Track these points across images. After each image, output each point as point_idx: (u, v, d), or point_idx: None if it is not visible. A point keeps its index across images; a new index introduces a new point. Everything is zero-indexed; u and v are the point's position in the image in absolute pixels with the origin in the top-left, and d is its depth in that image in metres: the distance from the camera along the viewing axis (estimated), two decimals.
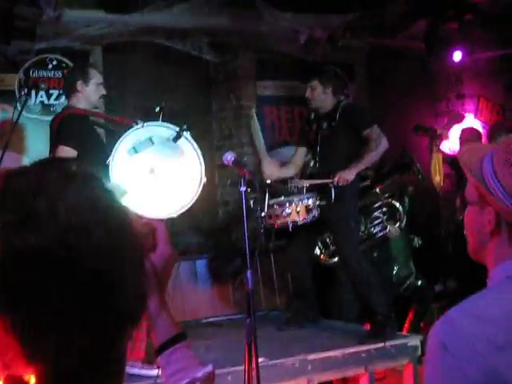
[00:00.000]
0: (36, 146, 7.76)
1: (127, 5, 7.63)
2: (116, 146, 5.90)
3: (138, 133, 6.01)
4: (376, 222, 8.01)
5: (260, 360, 6.09)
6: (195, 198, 6.18)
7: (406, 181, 8.30)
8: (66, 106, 6.28)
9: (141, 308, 1.22)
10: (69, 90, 6.27)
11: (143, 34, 8.01)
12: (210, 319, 8.08)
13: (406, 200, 8.34)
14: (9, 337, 1.10)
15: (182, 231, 8.64)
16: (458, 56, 8.67)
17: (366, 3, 8.07)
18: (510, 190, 1.89)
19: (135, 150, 5.95)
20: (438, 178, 7.80)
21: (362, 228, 7.96)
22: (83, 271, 1.10)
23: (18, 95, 7.73)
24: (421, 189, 8.53)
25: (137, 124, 6.03)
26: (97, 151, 5.97)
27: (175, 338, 1.73)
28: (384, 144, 7.10)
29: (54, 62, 8.15)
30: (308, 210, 7.05)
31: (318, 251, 8.01)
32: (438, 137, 7.73)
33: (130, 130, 5.98)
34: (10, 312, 1.09)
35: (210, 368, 1.72)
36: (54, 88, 8.14)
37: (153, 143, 6.01)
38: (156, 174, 6.06)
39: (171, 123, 6.13)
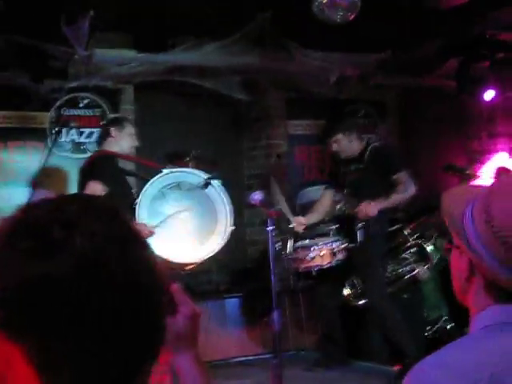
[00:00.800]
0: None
1: (158, 44, 7.66)
2: (144, 189, 5.95)
3: (167, 178, 6.06)
4: (405, 263, 7.91)
5: None
6: (221, 246, 6.22)
7: (435, 222, 8.20)
8: (98, 150, 6.42)
9: (158, 342, 1.21)
10: (103, 135, 6.45)
11: (174, 72, 8.04)
12: (240, 359, 8.01)
13: (436, 241, 8.25)
14: (29, 366, 1.09)
15: (210, 270, 8.61)
16: (489, 94, 8.59)
17: (398, 42, 8.04)
18: (484, 242, 1.82)
19: (162, 194, 6.00)
20: None
21: (391, 269, 7.87)
22: (98, 301, 1.09)
23: (49, 133, 7.78)
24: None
25: (166, 170, 6.10)
26: (124, 193, 6.02)
27: None
28: (412, 190, 7.05)
29: (86, 101, 8.21)
30: (333, 254, 6.99)
31: (346, 292, 7.92)
32: (467, 176, 7.65)
33: (158, 176, 6.03)
34: (25, 340, 1.08)
35: None
36: (85, 126, 8.20)
37: (180, 189, 6.06)
38: (182, 220, 6.10)
39: (202, 163, 6.20)
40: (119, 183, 6.12)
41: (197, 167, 6.46)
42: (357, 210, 6.93)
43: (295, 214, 7.89)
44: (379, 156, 7.20)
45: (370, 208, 6.92)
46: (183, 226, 6.08)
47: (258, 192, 5.55)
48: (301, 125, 9.43)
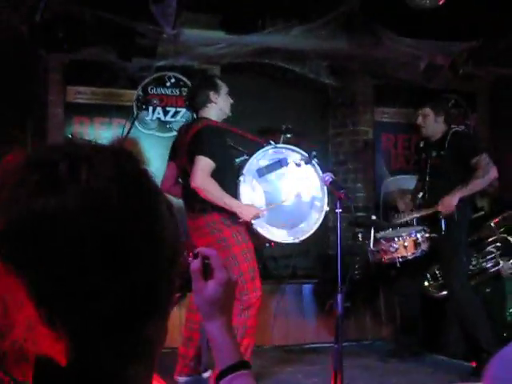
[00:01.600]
0: (151, 161, 7.88)
1: (247, 26, 7.65)
2: (246, 164, 5.94)
3: (269, 154, 6.06)
4: (489, 256, 7.74)
5: None
6: (317, 226, 6.20)
7: None
8: (198, 117, 6.20)
9: (164, 298, 1.18)
10: (200, 103, 6.16)
11: (262, 55, 8.03)
12: (314, 345, 7.99)
13: None
14: (29, 304, 1.07)
15: (290, 254, 8.60)
16: None
17: (489, 31, 7.85)
18: None
19: (265, 170, 5.99)
20: None
21: (474, 262, 7.72)
22: (102, 237, 1.07)
23: (135, 111, 7.87)
24: None
25: (270, 144, 6.06)
26: (230, 168, 5.98)
27: (237, 365, 1.72)
28: (493, 173, 6.90)
29: (173, 80, 8.29)
30: (416, 244, 6.89)
31: (426, 283, 7.80)
32: None
33: (262, 150, 6.02)
34: (27, 274, 1.06)
35: None
36: (172, 105, 8.27)
37: (281, 166, 6.04)
38: (282, 198, 6.11)
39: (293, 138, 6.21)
40: (227, 158, 6.02)
41: (288, 142, 6.40)
42: (439, 207, 6.83)
43: (379, 202, 7.84)
44: (459, 140, 7.08)
45: (450, 202, 6.81)
46: (281, 204, 6.12)
47: (328, 173, 5.51)
48: (388, 112, 9.32)
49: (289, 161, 6.14)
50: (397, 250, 6.85)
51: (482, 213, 7.90)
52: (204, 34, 7.75)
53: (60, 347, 1.10)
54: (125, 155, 1.17)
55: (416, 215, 7.20)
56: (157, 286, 1.15)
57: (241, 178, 5.94)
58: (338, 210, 5.05)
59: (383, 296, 8.46)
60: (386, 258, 6.94)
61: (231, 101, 6.26)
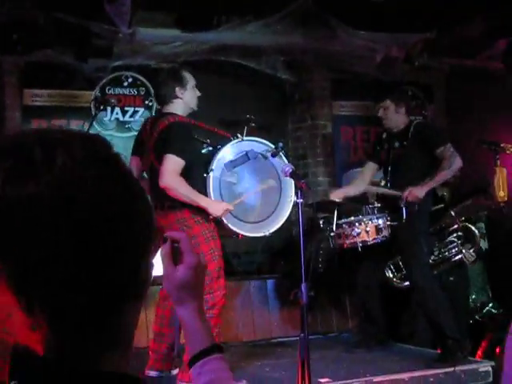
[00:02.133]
0: None
1: (202, 23, 7.66)
2: (214, 158, 5.92)
3: (235, 147, 6.05)
4: (451, 245, 7.80)
5: (324, 380, 6.04)
6: (286, 216, 6.21)
7: (482, 204, 8.10)
8: (163, 113, 6.12)
9: (141, 281, 1.18)
10: (166, 97, 6.10)
11: (218, 52, 8.04)
12: (280, 339, 8.01)
13: (482, 224, 8.15)
14: (6, 291, 1.08)
15: (254, 251, 8.63)
16: None
17: (445, 22, 7.92)
18: None
19: (233, 163, 5.97)
20: (501, 193, 7.56)
21: (437, 252, 7.79)
22: (75, 221, 1.06)
23: (93, 112, 7.82)
24: (499, 213, 8.32)
25: (237, 138, 6.05)
26: (198, 163, 5.95)
27: (209, 349, 1.71)
28: (457, 163, 6.98)
29: (130, 80, 8.27)
30: (378, 229, 6.95)
31: (390, 274, 7.86)
32: (501, 150, 7.51)
33: (229, 143, 6.01)
34: (4, 262, 1.06)
35: (243, 383, 1.71)
36: (130, 105, 8.24)
37: (249, 158, 6.04)
38: (250, 191, 6.11)
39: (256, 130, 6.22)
40: (195, 153, 5.95)
41: (252, 132, 6.39)
42: (405, 193, 6.88)
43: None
44: (422, 131, 7.17)
45: (417, 191, 6.87)
46: (250, 197, 6.11)
47: (288, 164, 5.53)
48: (346, 105, 9.38)
49: (256, 153, 6.13)
50: (358, 234, 6.91)
51: (442, 205, 7.97)
52: (160, 33, 7.75)
53: (37, 337, 1.10)
54: (97, 140, 1.17)
55: (381, 190, 7.26)
56: (133, 269, 1.15)
57: (210, 174, 5.93)
58: (300, 201, 5.07)
59: (347, 287, 8.49)
60: (347, 242, 6.99)
61: (198, 94, 6.20)
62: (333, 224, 7.01)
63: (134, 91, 8.30)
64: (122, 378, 1.14)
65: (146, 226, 1.18)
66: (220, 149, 6.04)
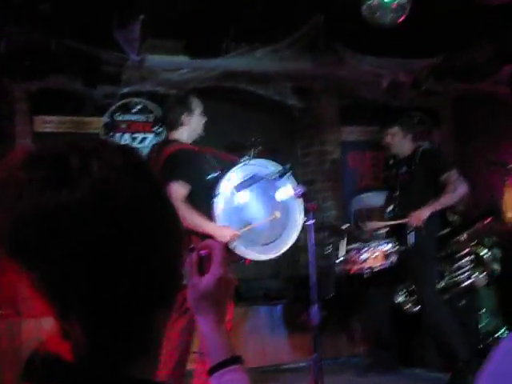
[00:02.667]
0: None
1: (211, 50, 7.69)
2: (220, 182, 5.92)
3: (241, 170, 6.05)
4: (462, 270, 7.80)
5: None
6: (294, 240, 6.21)
7: (493, 229, 8.09)
8: (169, 140, 6.18)
9: (172, 287, 1.19)
10: (173, 124, 6.15)
11: (227, 78, 8.07)
12: (289, 365, 7.99)
13: (494, 249, 8.13)
14: (38, 296, 1.09)
15: (262, 276, 8.62)
16: None
17: (451, 47, 7.96)
18: None
19: (241, 186, 5.98)
20: (510, 214, 7.58)
21: (447, 277, 7.78)
22: (113, 228, 1.08)
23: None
24: (509, 236, 8.31)
25: (244, 161, 6.04)
26: (204, 189, 5.94)
27: (229, 360, 1.71)
28: (463, 188, 7.02)
29: (139, 106, 8.31)
30: (386, 255, 6.97)
31: (402, 298, 7.85)
32: (509, 171, 7.54)
33: (235, 167, 6.01)
34: (38, 269, 1.07)
35: None
36: (139, 131, 8.27)
37: (255, 181, 6.04)
38: (258, 214, 6.10)
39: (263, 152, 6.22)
40: (201, 180, 5.94)
41: (259, 155, 6.40)
42: (410, 219, 6.91)
43: (349, 220, 7.91)
44: (428, 157, 7.22)
45: (420, 215, 6.90)
46: (258, 219, 6.10)
47: (299, 185, 5.54)
48: (354, 131, 9.41)
49: (263, 175, 6.13)
50: (365, 260, 6.92)
51: (449, 229, 7.96)
52: (168, 60, 7.79)
53: (67, 345, 1.12)
54: (129, 148, 1.19)
55: (385, 224, 7.28)
56: (166, 274, 1.17)
57: (216, 198, 5.92)
58: (310, 222, 5.09)
59: (357, 312, 8.48)
60: (354, 268, 7.01)
61: (205, 119, 6.26)
62: (340, 249, 7.02)
63: (142, 118, 8.33)
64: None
65: (178, 232, 1.20)
66: (226, 172, 6.04)
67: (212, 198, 5.92)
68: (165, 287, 1.17)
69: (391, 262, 6.97)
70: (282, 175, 6.03)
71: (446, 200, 7.04)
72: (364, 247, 7.01)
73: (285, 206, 6.24)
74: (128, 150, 1.18)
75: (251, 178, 6.07)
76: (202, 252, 1.71)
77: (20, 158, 1.11)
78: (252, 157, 6.26)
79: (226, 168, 6.15)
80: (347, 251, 7.08)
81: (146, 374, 1.15)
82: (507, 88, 8.35)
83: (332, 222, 8.73)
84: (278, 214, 6.12)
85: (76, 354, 1.12)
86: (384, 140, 7.42)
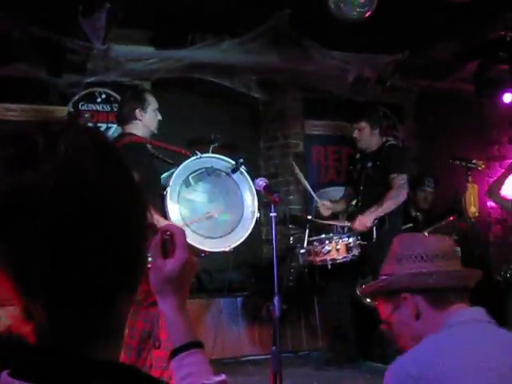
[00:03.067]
0: None
1: (177, 41, 7.67)
2: (173, 175, 5.90)
3: (194, 164, 6.04)
4: None
5: None
6: (249, 232, 6.21)
7: (455, 227, 8.16)
8: (123, 133, 6.18)
9: (137, 270, 1.18)
10: (126, 118, 6.18)
11: (192, 70, 8.05)
12: (250, 357, 8.00)
13: (458, 248, 8.20)
14: (5, 278, 1.08)
15: (225, 268, 8.61)
16: (508, 98, 8.54)
17: (416, 44, 8.01)
18: None
19: (191, 180, 5.96)
20: (472, 209, 7.65)
21: None
22: (76, 208, 1.07)
23: None
24: (471, 235, 8.40)
25: (195, 155, 6.03)
26: (153, 181, 5.93)
27: (189, 344, 1.72)
28: (403, 196, 7.15)
29: (103, 96, 8.27)
30: (348, 248, 7.01)
31: (359, 291, 7.90)
32: (472, 166, 7.60)
33: (187, 161, 6.00)
34: (3, 249, 1.07)
35: (222, 377, 1.70)
36: (103, 121, 8.24)
37: (208, 175, 6.03)
38: (210, 206, 6.09)
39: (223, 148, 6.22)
40: (151, 171, 5.94)
41: (218, 152, 6.40)
42: (353, 224, 7.01)
43: (312, 215, 7.94)
44: (391, 153, 7.24)
45: (365, 222, 6.99)
46: (210, 212, 6.07)
47: (261, 178, 5.54)
48: (318, 125, 9.44)
49: (215, 169, 6.13)
50: (329, 252, 6.96)
51: (411, 224, 8.03)
52: (134, 50, 7.75)
53: (30, 326, 1.11)
54: (96, 130, 1.19)
55: (331, 223, 7.34)
56: (130, 258, 1.15)
57: (168, 190, 5.90)
58: (273, 214, 5.09)
59: (317, 306, 8.51)
60: (317, 259, 7.04)
61: (159, 117, 6.27)
62: (303, 241, 7.06)
63: (107, 107, 8.29)
64: (115, 366, 1.13)
65: (144, 215, 1.19)
66: (178, 166, 6.03)
67: (162, 191, 5.91)
68: (129, 270, 1.16)
69: (353, 256, 7.01)
70: (235, 170, 6.03)
71: (388, 206, 7.12)
72: (327, 239, 7.04)
73: (239, 200, 6.24)
74: (96, 132, 1.18)
75: (203, 172, 6.06)
76: (165, 235, 1.71)
77: None
78: (211, 152, 6.27)
79: (178, 162, 6.14)
80: (310, 242, 7.11)
81: (108, 356, 1.14)
82: (471, 85, 8.43)
83: (296, 214, 8.76)
84: (215, 214, 6.09)
85: (38, 335, 1.11)
86: (351, 134, 7.45)
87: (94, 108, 8.25)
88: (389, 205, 7.09)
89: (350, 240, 7.03)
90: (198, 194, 6.10)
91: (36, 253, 1.06)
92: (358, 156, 7.61)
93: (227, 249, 6.25)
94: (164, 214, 5.83)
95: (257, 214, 6.20)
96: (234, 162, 6.11)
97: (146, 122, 6.15)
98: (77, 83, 7.83)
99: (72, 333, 1.12)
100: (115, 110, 8.13)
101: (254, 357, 7.96)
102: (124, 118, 6.22)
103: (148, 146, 6.26)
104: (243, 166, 6.12)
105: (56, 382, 1.08)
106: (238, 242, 6.26)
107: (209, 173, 6.08)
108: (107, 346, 1.15)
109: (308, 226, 7.30)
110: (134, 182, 1.19)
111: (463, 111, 9.20)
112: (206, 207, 6.12)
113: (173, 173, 6.05)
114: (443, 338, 2.41)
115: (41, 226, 1.05)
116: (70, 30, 7.00)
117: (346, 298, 7.49)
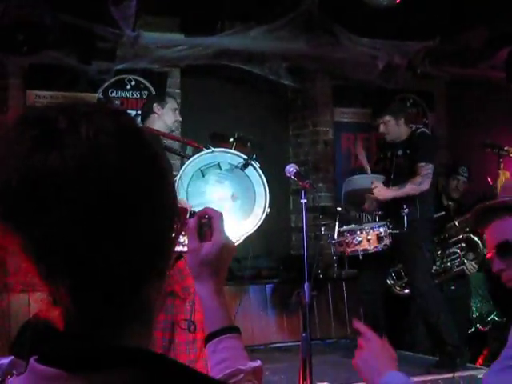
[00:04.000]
0: None
1: (206, 28, 7.67)
2: (184, 167, 5.93)
3: (207, 157, 6.05)
4: (453, 256, 7.84)
5: None
6: (256, 228, 6.19)
7: None
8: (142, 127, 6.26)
9: (163, 255, 1.18)
10: (145, 112, 6.39)
11: (221, 57, 8.06)
12: (279, 344, 8.02)
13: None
14: (26, 261, 1.08)
15: (254, 256, 8.63)
16: None
17: (447, 31, 7.95)
18: None
19: (202, 173, 5.98)
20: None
21: (439, 262, 7.82)
22: (99, 191, 1.06)
23: None
24: None
25: (207, 149, 6.06)
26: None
27: (226, 329, 1.72)
28: (426, 184, 7.01)
29: (133, 83, 8.27)
30: (379, 238, 6.96)
31: (391, 281, 7.88)
32: (504, 153, 7.51)
33: (199, 154, 6.02)
34: (26, 231, 1.07)
35: (258, 363, 1.70)
36: (132, 108, 8.24)
37: (220, 169, 6.04)
38: (221, 200, 6.08)
39: (244, 146, 6.20)
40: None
41: (239, 149, 6.41)
42: (375, 187, 6.96)
43: (340, 201, 7.93)
44: (420, 141, 7.17)
45: (384, 193, 6.96)
46: (220, 205, 6.06)
47: (292, 164, 5.51)
48: (347, 112, 9.39)
49: (227, 163, 6.14)
50: (360, 242, 6.92)
51: (443, 213, 7.97)
52: (163, 37, 7.77)
53: (58, 311, 1.10)
54: (123, 113, 1.18)
55: (379, 212, 7.28)
56: (156, 244, 1.15)
57: (177, 181, 5.92)
58: (304, 201, 5.07)
59: (346, 294, 8.51)
60: (348, 250, 7.00)
61: (179, 118, 6.46)
62: (334, 231, 7.04)
63: (136, 94, 8.30)
64: (143, 353, 1.12)
65: (171, 201, 1.18)
66: (190, 158, 6.06)
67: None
68: (157, 255, 1.15)
69: (385, 245, 6.97)
70: (246, 165, 6.03)
71: (408, 190, 7.01)
72: (358, 230, 7.01)
73: (251, 194, 6.23)
74: (122, 115, 1.16)
75: (216, 165, 6.07)
76: (203, 219, 1.71)
77: (11, 119, 1.11)
78: (233, 148, 6.29)
79: (191, 155, 6.18)
80: (341, 233, 7.08)
81: (137, 343, 1.14)
82: (502, 72, 8.34)
83: (324, 203, 8.75)
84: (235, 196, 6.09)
85: (66, 321, 1.11)
86: (378, 130, 7.40)
87: (123, 95, 8.25)
88: (409, 189, 7.01)
89: (381, 230, 6.98)
90: (208, 188, 6.11)
91: (57, 235, 1.05)
92: (387, 145, 7.57)
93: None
94: None
95: (267, 211, 6.16)
96: (245, 157, 6.11)
97: (163, 117, 6.32)
98: (106, 70, 7.85)
99: (98, 319, 1.11)
100: (144, 96, 8.18)
101: (283, 344, 7.96)
102: (144, 115, 6.43)
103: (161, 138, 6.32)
104: (256, 162, 6.10)
105: (83, 368, 1.07)
106: (244, 237, 6.26)
107: (220, 167, 6.09)
108: (135, 332, 1.15)
109: (338, 216, 7.27)
110: (160, 166, 1.17)
111: (494, 98, 9.11)
112: (216, 201, 6.13)
113: (184, 162, 6.09)
114: None
115: (63, 209, 1.05)
116: (100, 17, 7.01)
117: (378, 286, 7.46)
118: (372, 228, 7.01)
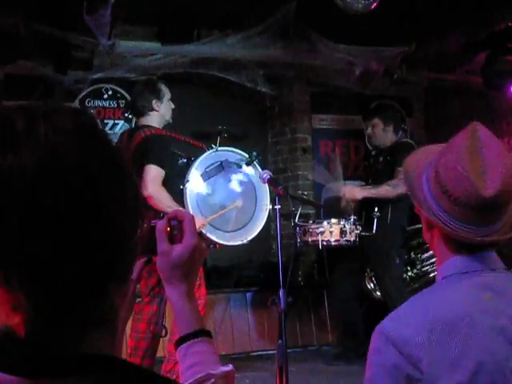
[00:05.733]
0: None
1: (183, 36, 7.67)
2: (190, 170, 5.92)
3: (210, 157, 6.06)
4: (431, 260, 7.86)
5: None
6: (262, 225, 6.23)
7: None
8: (140, 125, 6.15)
9: (126, 258, 1.13)
10: (142, 110, 6.14)
11: (198, 65, 8.05)
12: (259, 352, 8.00)
13: None
14: None
15: (234, 263, 8.62)
16: None
17: (423, 36, 7.97)
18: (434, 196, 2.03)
19: (207, 174, 5.99)
20: None
21: (419, 266, 7.84)
22: (57, 193, 1.02)
23: None
24: None
25: (211, 148, 6.05)
26: (173, 175, 5.94)
27: (197, 332, 1.70)
28: (401, 189, 7.00)
29: (110, 92, 8.26)
30: (342, 232, 6.97)
31: (371, 286, 7.89)
32: None
33: (204, 154, 6.02)
34: None
35: (229, 368, 1.67)
36: (109, 118, 8.23)
37: (223, 168, 6.05)
38: (225, 202, 6.10)
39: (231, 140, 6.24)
40: (173, 165, 5.96)
41: (226, 144, 6.41)
42: (345, 189, 7.01)
43: (320, 207, 7.95)
44: (400, 148, 7.21)
45: (354, 193, 7.00)
46: (226, 205, 6.10)
47: (266, 171, 5.49)
48: (325, 119, 9.41)
49: (230, 163, 6.16)
50: (322, 233, 6.91)
51: (420, 225, 7.97)
52: (140, 46, 7.76)
53: (18, 318, 1.07)
54: (83, 113, 1.13)
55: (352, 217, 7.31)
56: (119, 247, 1.11)
57: (186, 185, 5.92)
58: (278, 207, 5.05)
59: (327, 301, 8.51)
60: (310, 240, 7.01)
61: (172, 106, 6.26)
62: (296, 217, 7.02)
63: (113, 104, 8.28)
64: (106, 359, 1.09)
65: (133, 203, 1.14)
66: (195, 160, 6.05)
67: (182, 184, 5.93)
68: (117, 261, 1.11)
69: (347, 241, 6.96)
70: (249, 163, 6.03)
71: (383, 192, 7.06)
72: (323, 221, 7.03)
73: (252, 193, 6.26)
74: (80, 114, 1.12)
75: (219, 165, 6.08)
76: (173, 221, 1.69)
77: None
78: (219, 145, 6.28)
79: (194, 154, 6.15)
80: (305, 218, 7.16)
81: (101, 348, 1.10)
82: (479, 78, 8.38)
83: (303, 210, 8.75)
84: (239, 203, 6.13)
85: (26, 327, 1.07)
86: (365, 131, 7.44)
87: (100, 104, 8.24)
88: (384, 190, 7.05)
89: (346, 224, 6.99)
90: (213, 188, 6.11)
91: (14, 242, 1.02)
92: (373, 153, 7.64)
93: (244, 241, 6.27)
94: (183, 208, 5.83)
95: (269, 207, 6.20)
96: (247, 155, 6.12)
97: (163, 111, 6.15)
98: (83, 80, 7.82)
99: (59, 325, 1.08)
100: (122, 106, 8.16)
101: (264, 352, 7.94)
102: (140, 111, 6.19)
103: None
104: (257, 159, 6.11)
105: (40, 376, 1.04)
106: (252, 236, 6.29)
107: (224, 166, 6.10)
108: (98, 338, 1.11)
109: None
110: (121, 165, 1.13)
111: (471, 103, 9.15)
112: (222, 201, 6.14)
113: (188, 165, 6.05)
114: None
115: (19, 215, 1.01)
116: (75, 26, 6.99)
117: (353, 292, 7.47)
118: (337, 221, 7.03)
